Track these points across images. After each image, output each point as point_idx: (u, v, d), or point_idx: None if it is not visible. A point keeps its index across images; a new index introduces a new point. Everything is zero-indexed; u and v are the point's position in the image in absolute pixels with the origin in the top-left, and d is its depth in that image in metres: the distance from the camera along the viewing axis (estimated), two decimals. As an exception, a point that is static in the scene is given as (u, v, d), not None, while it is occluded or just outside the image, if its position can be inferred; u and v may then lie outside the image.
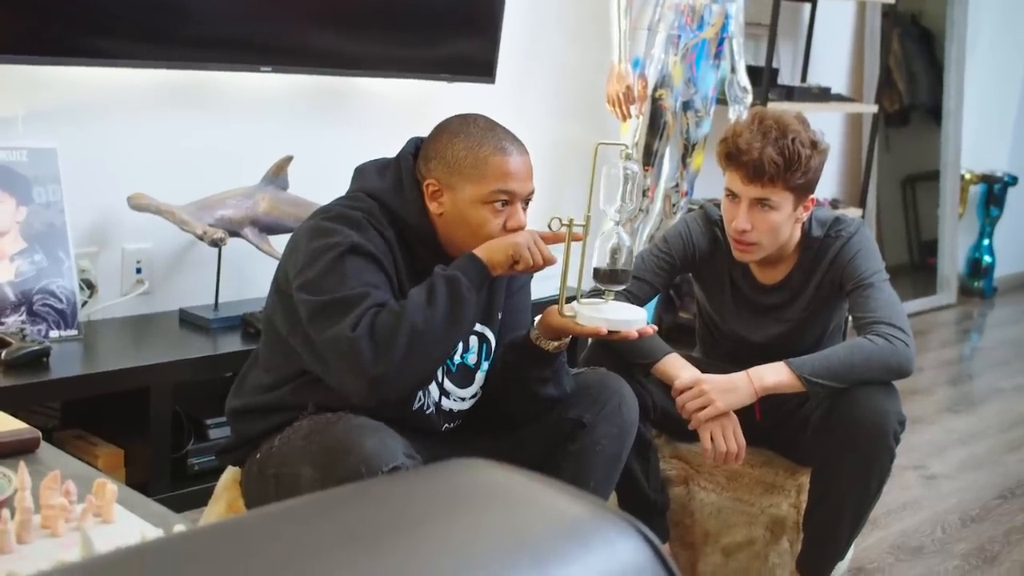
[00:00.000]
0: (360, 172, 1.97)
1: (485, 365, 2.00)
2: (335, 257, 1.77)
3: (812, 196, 2.24)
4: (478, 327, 1.96)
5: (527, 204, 1.91)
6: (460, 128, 1.89)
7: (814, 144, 2.18)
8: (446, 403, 1.95)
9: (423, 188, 1.89)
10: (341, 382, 1.76)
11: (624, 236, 1.95)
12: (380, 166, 1.96)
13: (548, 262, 1.84)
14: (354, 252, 1.79)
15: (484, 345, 1.99)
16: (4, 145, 2.55)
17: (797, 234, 2.28)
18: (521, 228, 1.87)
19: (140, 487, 1.90)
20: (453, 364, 1.95)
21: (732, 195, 2.21)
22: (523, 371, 1.96)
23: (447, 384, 1.95)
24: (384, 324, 1.72)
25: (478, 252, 1.82)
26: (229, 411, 1.98)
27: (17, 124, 2.61)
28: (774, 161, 2.13)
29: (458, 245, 1.87)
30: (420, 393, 1.91)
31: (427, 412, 1.93)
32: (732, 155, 2.18)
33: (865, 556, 2.69)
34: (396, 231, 1.87)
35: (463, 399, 1.98)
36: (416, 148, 1.95)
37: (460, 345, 1.94)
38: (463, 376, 1.97)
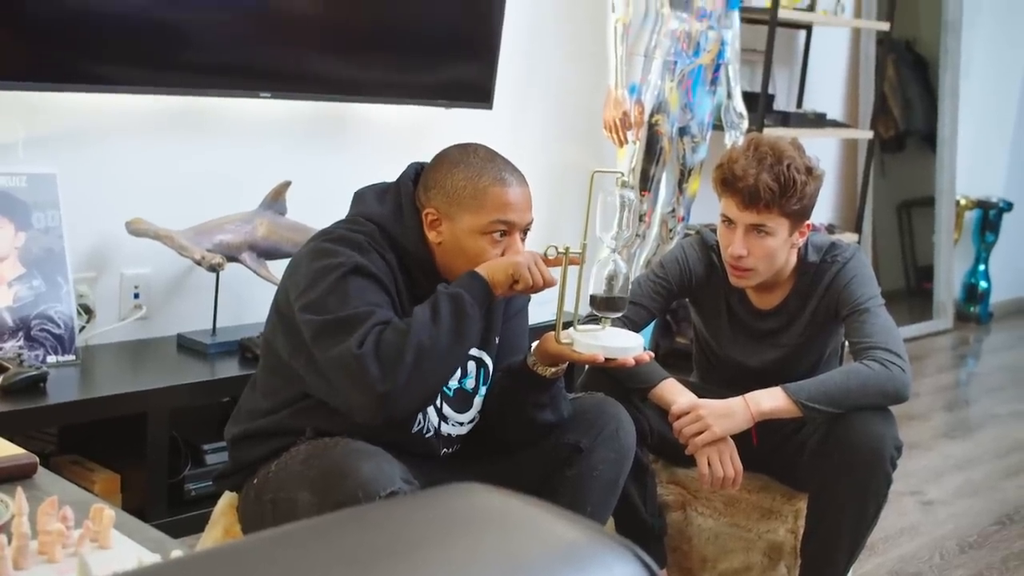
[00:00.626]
0: (359, 197, 1.98)
1: (483, 390, 2.00)
2: (338, 277, 1.77)
3: (808, 222, 2.25)
4: (475, 352, 1.96)
5: (526, 234, 1.91)
6: (460, 158, 1.90)
7: (809, 170, 2.19)
8: (444, 428, 1.95)
9: (422, 216, 1.89)
10: (347, 400, 1.76)
11: (620, 263, 1.95)
12: (380, 191, 1.96)
13: (548, 284, 1.84)
14: (357, 272, 1.79)
15: (482, 370, 1.99)
16: (3, 170, 2.56)
17: (793, 259, 2.29)
18: None
19: (137, 512, 1.89)
20: (450, 389, 1.95)
21: (728, 221, 2.22)
22: (520, 396, 1.96)
23: (445, 409, 1.95)
24: (390, 342, 1.72)
25: (480, 270, 1.83)
26: (228, 439, 1.98)
27: (17, 149, 2.62)
28: (770, 187, 2.14)
29: (456, 274, 1.86)
30: (420, 417, 1.91)
31: (426, 436, 1.93)
32: (728, 181, 2.19)
33: (863, 582, 2.69)
34: (396, 255, 1.87)
35: (461, 424, 1.98)
36: (416, 174, 1.95)
37: (458, 370, 1.94)
38: (461, 401, 1.97)
